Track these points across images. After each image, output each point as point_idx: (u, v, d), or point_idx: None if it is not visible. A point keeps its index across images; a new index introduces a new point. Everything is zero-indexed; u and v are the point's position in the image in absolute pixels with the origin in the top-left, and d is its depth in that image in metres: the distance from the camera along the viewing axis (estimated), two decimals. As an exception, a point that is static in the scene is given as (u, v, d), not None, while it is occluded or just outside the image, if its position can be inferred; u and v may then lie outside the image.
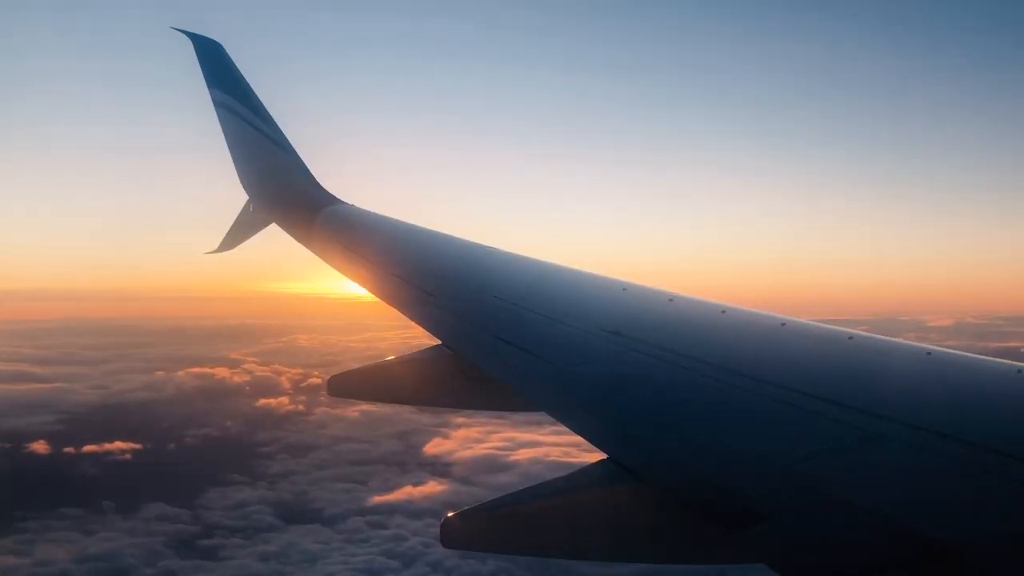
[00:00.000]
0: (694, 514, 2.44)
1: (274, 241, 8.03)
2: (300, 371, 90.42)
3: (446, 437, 62.04)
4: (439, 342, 4.52)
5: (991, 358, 3.11)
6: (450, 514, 2.80)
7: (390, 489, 51.76)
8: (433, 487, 51.76)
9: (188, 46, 8.37)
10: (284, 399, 78.94)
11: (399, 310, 5.10)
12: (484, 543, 2.79)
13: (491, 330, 4.31)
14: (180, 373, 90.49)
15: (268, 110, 8.37)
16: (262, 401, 77.91)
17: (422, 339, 4.73)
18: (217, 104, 8.37)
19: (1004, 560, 1.90)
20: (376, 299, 5.53)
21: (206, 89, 8.37)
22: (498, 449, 57.55)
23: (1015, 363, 2.97)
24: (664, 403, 3.10)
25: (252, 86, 8.36)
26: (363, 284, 5.86)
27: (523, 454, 55.09)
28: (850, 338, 3.48)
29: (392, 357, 4.78)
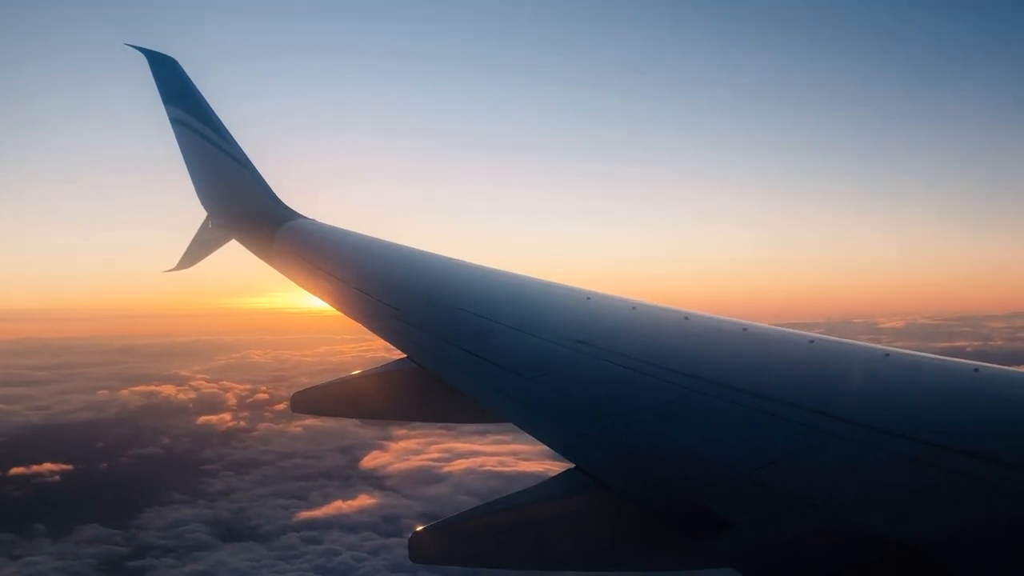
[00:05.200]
0: (663, 521, 2.33)
1: (235, 256, 7.60)
2: (248, 387, 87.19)
3: (384, 450, 60.44)
4: (402, 355, 4.27)
5: (949, 358, 3.11)
6: (419, 528, 2.65)
7: (326, 503, 50.13)
8: (365, 500, 50.21)
9: (143, 63, 7.91)
10: (227, 415, 75.58)
11: (363, 324, 4.83)
12: (453, 557, 2.63)
13: (458, 343, 4.12)
14: (124, 392, 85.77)
15: (226, 125, 7.97)
16: (204, 418, 74.33)
17: (380, 352, 4.46)
18: (173, 121, 7.97)
19: (967, 558, 1.85)
20: (337, 312, 5.20)
21: (162, 106, 7.90)
22: (434, 460, 56.50)
23: (972, 362, 2.96)
24: (630, 411, 2.99)
25: (209, 101, 7.96)
26: (326, 299, 5.55)
27: (458, 465, 54.20)
28: (811, 342, 3.44)
29: (357, 372, 4.48)
